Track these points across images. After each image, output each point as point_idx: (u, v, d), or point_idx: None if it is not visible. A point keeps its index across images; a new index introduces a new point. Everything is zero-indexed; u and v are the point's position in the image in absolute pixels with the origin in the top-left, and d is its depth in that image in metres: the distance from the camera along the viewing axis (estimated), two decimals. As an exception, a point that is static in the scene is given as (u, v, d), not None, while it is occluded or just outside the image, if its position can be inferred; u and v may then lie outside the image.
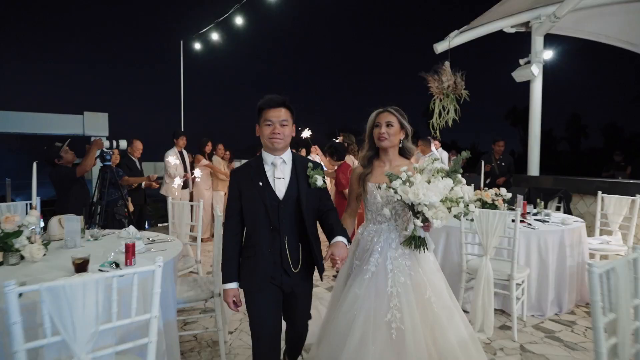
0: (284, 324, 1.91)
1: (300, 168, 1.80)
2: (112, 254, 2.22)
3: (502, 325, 2.99)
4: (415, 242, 1.80)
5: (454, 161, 1.86)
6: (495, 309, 3.03)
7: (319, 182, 1.79)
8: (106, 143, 3.61)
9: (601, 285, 1.35)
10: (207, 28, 6.92)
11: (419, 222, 1.72)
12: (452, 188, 1.72)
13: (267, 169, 1.77)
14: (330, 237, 1.76)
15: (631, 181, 4.98)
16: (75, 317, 1.17)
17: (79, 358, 1.17)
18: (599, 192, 4.11)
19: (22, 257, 2.06)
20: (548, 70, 6.21)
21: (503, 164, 5.76)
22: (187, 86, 8.22)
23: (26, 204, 3.33)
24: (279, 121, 1.71)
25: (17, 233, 2.05)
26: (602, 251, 3.78)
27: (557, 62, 6.46)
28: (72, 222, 2.48)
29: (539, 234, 3.14)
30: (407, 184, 1.72)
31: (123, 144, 3.73)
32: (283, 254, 1.73)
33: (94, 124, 8.26)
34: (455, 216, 1.71)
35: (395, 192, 1.73)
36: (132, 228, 2.78)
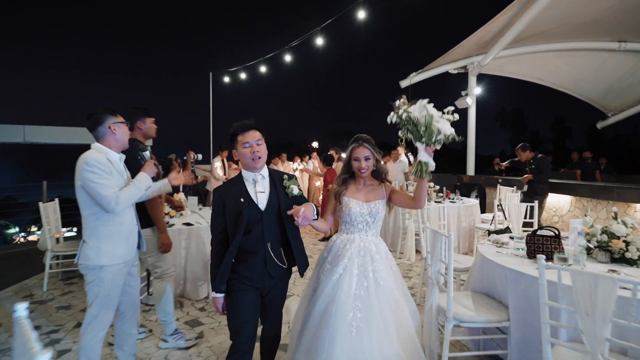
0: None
1: (277, 181, 1.97)
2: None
3: (421, 258, 5.33)
4: (421, 167, 1.95)
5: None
6: (418, 251, 5.45)
7: (295, 191, 1.96)
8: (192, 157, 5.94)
9: (420, 214, 3.73)
10: (234, 68, 9.30)
11: (421, 146, 1.91)
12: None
13: (248, 185, 1.93)
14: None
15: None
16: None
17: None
18: (498, 185, 6.48)
19: (180, 214, 4.38)
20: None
21: (533, 166, 5.89)
22: (215, 106, 10.56)
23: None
24: (255, 141, 1.88)
25: (182, 207, 4.37)
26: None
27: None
28: (193, 199, 4.82)
29: (446, 208, 5.47)
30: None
31: (200, 156, 6.06)
32: (267, 257, 1.90)
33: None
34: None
35: (407, 112, 1.88)
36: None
